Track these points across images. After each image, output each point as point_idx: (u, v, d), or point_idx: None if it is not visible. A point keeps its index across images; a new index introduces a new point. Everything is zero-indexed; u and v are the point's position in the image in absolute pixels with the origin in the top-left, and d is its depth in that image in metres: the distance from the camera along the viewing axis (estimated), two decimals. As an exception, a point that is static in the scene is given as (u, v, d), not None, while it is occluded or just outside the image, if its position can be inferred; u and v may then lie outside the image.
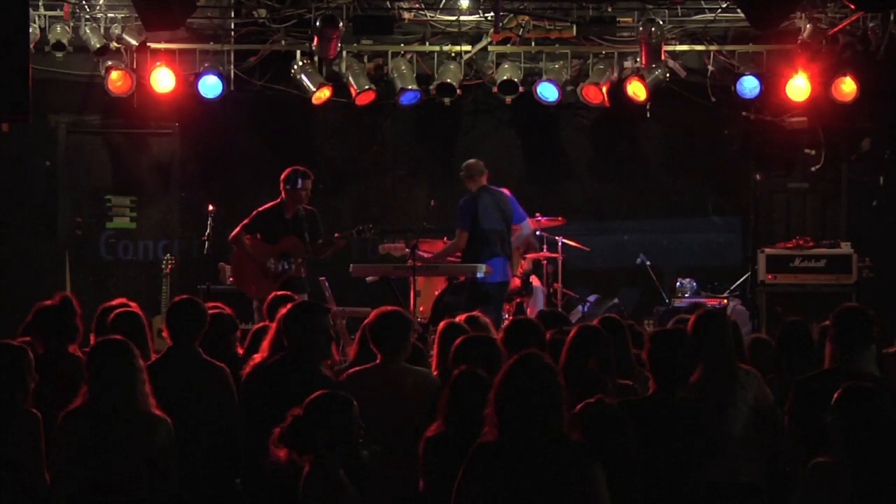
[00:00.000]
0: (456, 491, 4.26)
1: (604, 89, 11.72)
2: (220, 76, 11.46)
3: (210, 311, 6.35)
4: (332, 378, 5.67)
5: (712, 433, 5.19)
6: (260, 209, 10.18)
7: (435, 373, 5.93)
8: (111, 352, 5.15)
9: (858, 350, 5.42)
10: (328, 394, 4.57)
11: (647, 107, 12.07)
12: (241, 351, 6.58)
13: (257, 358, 6.01)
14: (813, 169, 12.40)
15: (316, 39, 11.10)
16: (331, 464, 4.45)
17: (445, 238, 10.97)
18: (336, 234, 10.38)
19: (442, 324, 6.30)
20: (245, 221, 10.11)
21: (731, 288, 11.72)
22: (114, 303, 6.93)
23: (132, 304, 6.92)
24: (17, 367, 5.16)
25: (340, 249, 10.58)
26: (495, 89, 11.84)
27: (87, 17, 11.39)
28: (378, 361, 5.76)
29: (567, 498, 4.16)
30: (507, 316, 10.97)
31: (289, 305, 6.02)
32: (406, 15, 11.76)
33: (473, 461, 4.25)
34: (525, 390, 4.24)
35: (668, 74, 11.75)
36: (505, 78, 11.71)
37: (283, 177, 10.14)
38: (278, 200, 10.18)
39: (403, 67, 11.80)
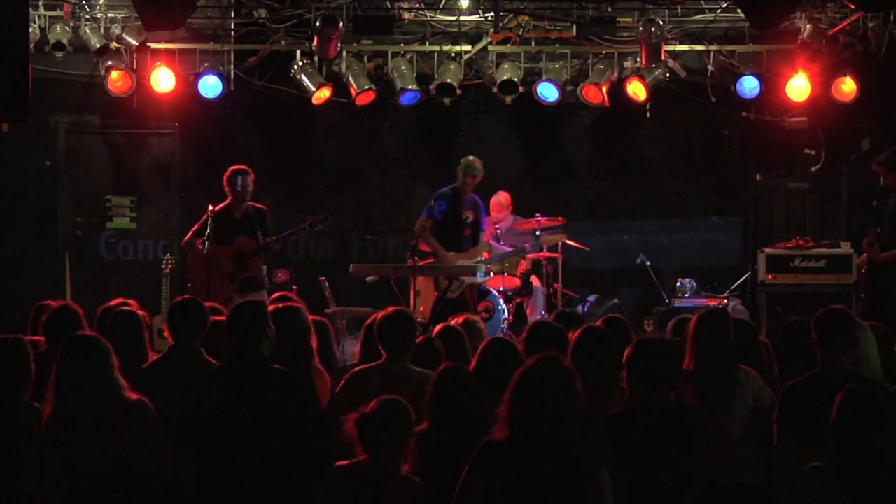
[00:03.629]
0: (460, 485, 4.27)
1: (604, 89, 11.72)
2: (220, 76, 11.46)
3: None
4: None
5: (710, 435, 5.16)
6: (209, 212, 10.17)
7: None
8: (76, 350, 5.14)
9: (840, 352, 5.41)
10: (389, 399, 4.68)
11: (647, 107, 12.08)
12: None
13: None
14: (813, 169, 12.41)
15: (316, 39, 11.10)
16: (386, 463, 4.58)
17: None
18: (273, 238, 10.27)
19: (438, 327, 6.32)
20: (196, 227, 10.10)
21: (731, 288, 11.72)
22: (112, 303, 6.93)
23: (131, 301, 6.93)
24: (18, 361, 5.18)
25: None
26: (495, 89, 11.83)
27: (87, 17, 11.39)
28: (382, 361, 5.78)
29: (570, 501, 4.16)
30: (507, 316, 10.99)
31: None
32: (406, 15, 11.76)
33: (480, 457, 4.26)
34: (539, 392, 4.25)
35: (668, 74, 11.74)
36: (505, 78, 11.71)
37: (225, 177, 10.20)
38: (227, 202, 10.21)
39: (403, 67, 11.79)
